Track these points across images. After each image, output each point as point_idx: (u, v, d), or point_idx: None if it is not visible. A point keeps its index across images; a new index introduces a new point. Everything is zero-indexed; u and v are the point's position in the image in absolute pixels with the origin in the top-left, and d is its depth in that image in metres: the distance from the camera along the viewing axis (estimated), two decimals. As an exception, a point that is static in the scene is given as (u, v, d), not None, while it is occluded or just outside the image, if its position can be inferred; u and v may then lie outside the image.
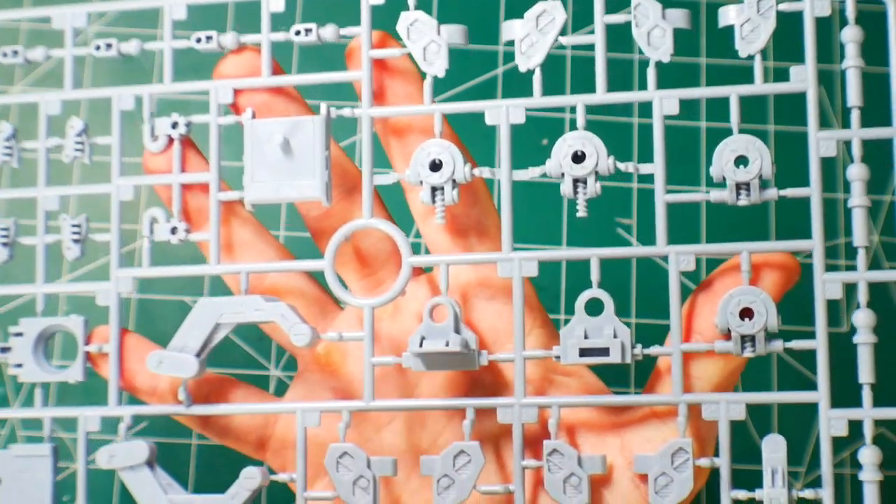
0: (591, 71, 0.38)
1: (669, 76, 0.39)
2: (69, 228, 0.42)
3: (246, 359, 0.57)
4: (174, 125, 0.42)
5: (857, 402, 0.36)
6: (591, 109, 0.39)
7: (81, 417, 0.41)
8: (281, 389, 0.55)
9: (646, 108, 0.51)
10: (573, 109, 0.39)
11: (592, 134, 0.38)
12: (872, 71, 0.38)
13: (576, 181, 0.38)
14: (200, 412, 0.41)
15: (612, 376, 0.42)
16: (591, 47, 0.39)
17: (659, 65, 0.38)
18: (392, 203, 0.43)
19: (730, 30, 0.38)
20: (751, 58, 0.38)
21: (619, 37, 0.40)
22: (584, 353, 0.38)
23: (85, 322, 0.42)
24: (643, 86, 0.39)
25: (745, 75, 0.38)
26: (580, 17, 0.40)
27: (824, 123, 0.37)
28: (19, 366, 0.42)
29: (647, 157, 0.38)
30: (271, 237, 0.43)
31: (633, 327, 0.42)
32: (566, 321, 0.38)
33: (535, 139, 0.47)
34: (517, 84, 0.51)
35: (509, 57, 0.54)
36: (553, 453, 0.38)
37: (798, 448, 0.44)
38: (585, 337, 0.38)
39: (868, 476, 0.36)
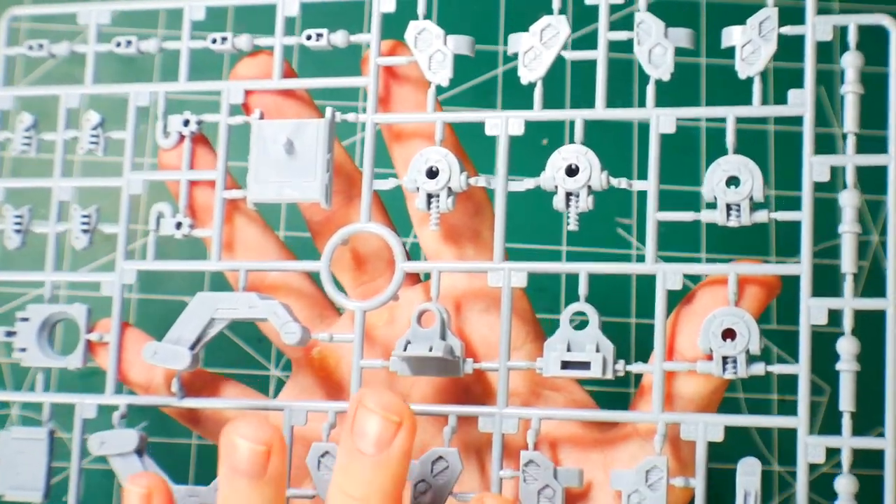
0: (589, 73, 0.39)
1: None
2: (79, 218, 0.43)
3: (246, 359, 0.57)
4: (186, 123, 0.43)
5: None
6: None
7: (79, 404, 0.42)
8: (281, 389, 0.55)
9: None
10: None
11: (587, 148, 0.38)
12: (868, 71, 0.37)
13: (568, 194, 0.39)
14: (192, 405, 0.41)
15: (607, 399, 0.42)
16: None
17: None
18: (396, 211, 0.43)
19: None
20: (750, 79, 0.38)
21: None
22: (565, 365, 0.38)
23: (88, 311, 0.43)
24: (643, 88, 0.39)
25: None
26: (579, 26, 0.40)
27: (823, 122, 0.37)
28: (23, 350, 0.43)
29: (646, 158, 0.38)
30: (276, 238, 0.44)
31: (632, 327, 0.41)
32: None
33: (535, 139, 0.46)
34: (517, 85, 0.51)
35: (509, 57, 0.55)
36: (529, 464, 0.38)
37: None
38: (568, 349, 0.38)
39: (844, 504, 0.36)
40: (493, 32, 0.54)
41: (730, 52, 0.38)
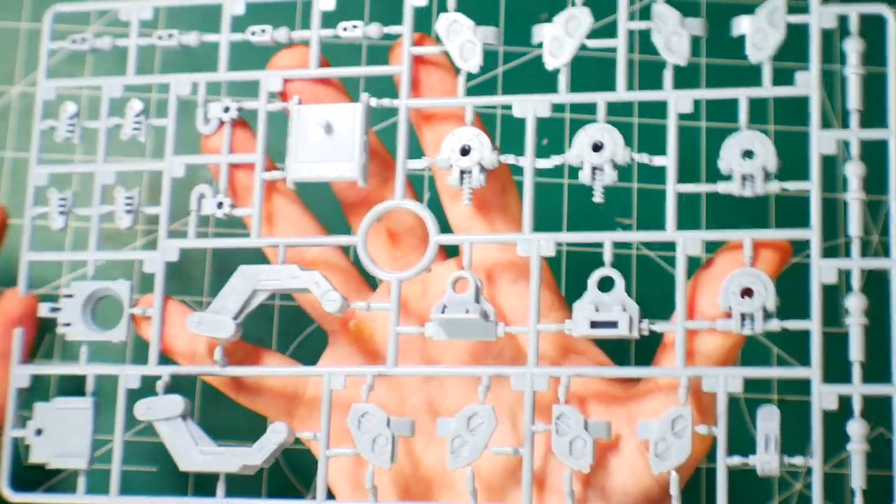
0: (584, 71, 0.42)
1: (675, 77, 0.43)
2: (122, 200, 0.45)
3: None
4: (225, 109, 0.45)
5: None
6: (593, 110, 0.43)
7: (122, 375, 0.44)
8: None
9: (645, 109, 0.55)
10: (572, 110, 0.43)
11: (612, 126, 0.42)
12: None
13: (594, 168, 0.42)
14: (234, 373, 0.44)
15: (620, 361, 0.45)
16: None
17: (664, 65, 0.42)
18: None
19: (728, 31, 0.42)
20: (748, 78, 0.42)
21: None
22: (594, 325, 0.41)
23: (131, 286, 0.45)
24: (643, 86, 0.43)
25: (741, 75, 0.41)
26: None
27: (825, 123, 0.41)
28: (68, 325, 0.45)
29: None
30: (315, 218, 0.46)
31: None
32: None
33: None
34: (516, 85, 0.55)
35: (509, 57, 0.58)
36: (561, 417, 0.40)
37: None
38: (596, 310, 0.41)
39: (856, 447, 0.38)
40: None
41: (730, 53, 0.41)
